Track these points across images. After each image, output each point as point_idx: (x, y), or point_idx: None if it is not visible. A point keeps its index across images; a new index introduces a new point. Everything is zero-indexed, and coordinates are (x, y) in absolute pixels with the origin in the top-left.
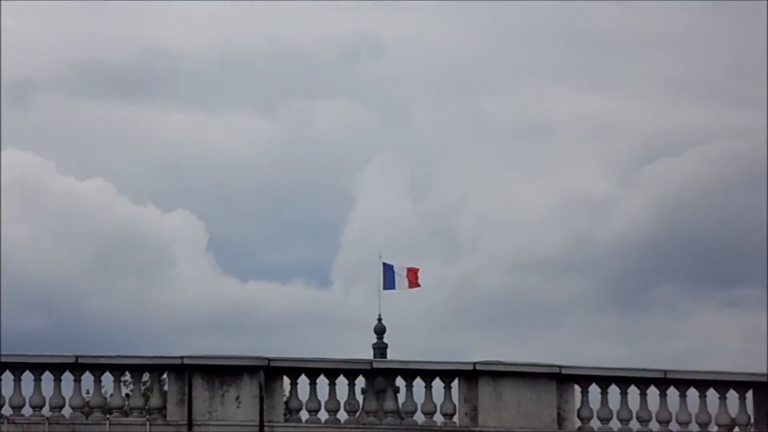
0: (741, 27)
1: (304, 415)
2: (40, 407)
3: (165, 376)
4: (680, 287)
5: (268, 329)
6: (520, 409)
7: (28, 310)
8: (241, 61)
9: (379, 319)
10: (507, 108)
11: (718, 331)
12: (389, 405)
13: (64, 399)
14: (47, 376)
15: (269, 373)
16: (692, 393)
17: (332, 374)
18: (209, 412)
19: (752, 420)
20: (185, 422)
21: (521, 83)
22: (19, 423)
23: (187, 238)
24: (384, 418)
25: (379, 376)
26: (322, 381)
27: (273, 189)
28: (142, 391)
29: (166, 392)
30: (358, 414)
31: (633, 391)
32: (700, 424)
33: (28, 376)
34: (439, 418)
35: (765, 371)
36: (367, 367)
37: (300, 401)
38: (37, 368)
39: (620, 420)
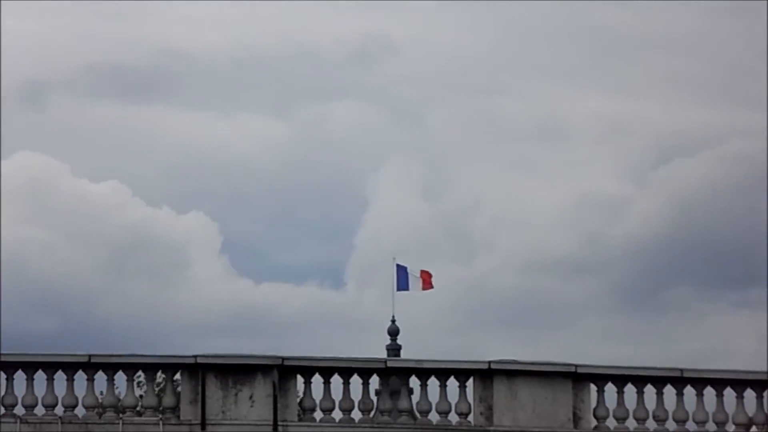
0: (757, 27)
1: (318, 414)
2: (53, 407)
3: (178, 375)
4: (694, 288)
5: (282, 330)
6: (536, 409)
7: (42, 312)
8: (254, 62)
9: (393, 321)
10: (520, 109)
11: (731, 332)
12: (404, 404)
13: (77, 398)
14: (60, 376)
15: (283, 372)
16: (709, 392)
17: (346, 373)
18: (223, 412)
19: None
20: (198, 422)
21: (535, 84)
22: (32, 422)
23: (201, 239)
24: (398, 417)
25: (394, 376)
26: (336, 380)
27: (287, 190)
28: (155, 391)
29: (179, 392)
30: (372, 413)
31: (649, 390)
32: (717, 424)
33: (40, 376)
34: (453, 418)
35: None
36: (382, 366)
37: (314, 400)
38: (50, 367)
39: (636, 419)
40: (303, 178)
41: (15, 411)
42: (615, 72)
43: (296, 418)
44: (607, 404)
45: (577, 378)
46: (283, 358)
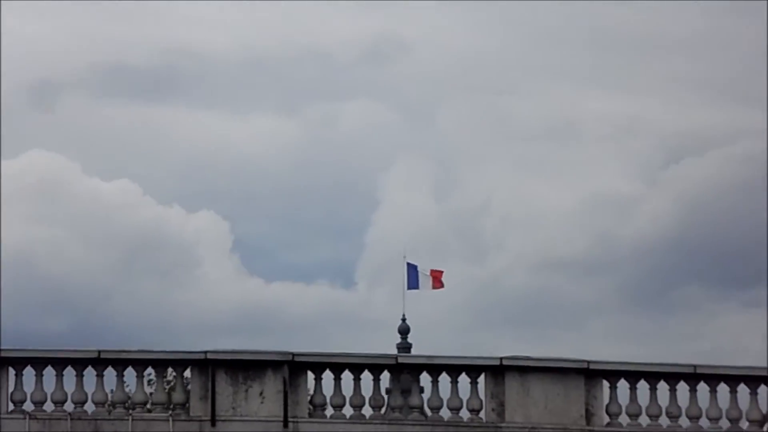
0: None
1: (328, 410)
2: (62, 403)
3: (188, 371)
4: (703, 287)
5: (293, 330)
6: (548, 405)
7: (52, 312)
8: (264, 62)
9: (403, 319)
10: (530, 109)
11: (741, 331)
12: (415, 401)
13: (86, 394)
14: (69, 372)
15: (293, 368)
16: (723, 388)
17: (357, 369)
18: (233, 408)
19: None
20: (208, 418)
21: (545, 84)
22: (41, 419)
23: (211, 238)
24: (409, 413)
25: (405, 373)
26: (347, 376)
27: (297, 190)
28: (165, 387)
29: (189, 388)
30: (383, 410)
31: (662, 386)
32: (730, 420)
33: (50, 372)
34: (465, 414)
35: None
36: (393, 362)
37: (324, 397)
38: (59, 364)
39: (649, 416)
40: (314, 178)
41: (24, 407)
42: (624, 72)
43: (307, 415)
44: (620, 401)
45: (590, 374)
46: (294, 354)
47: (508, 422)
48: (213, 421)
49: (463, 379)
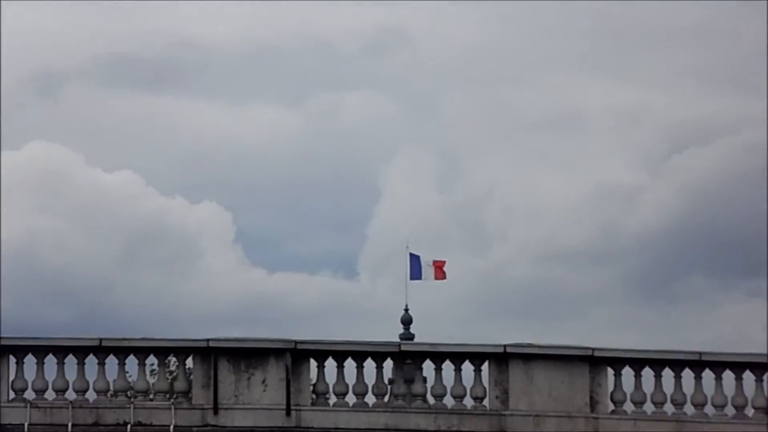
0: None
1: (331, 398)
2: (64, 391)
3: (190, 359)
4: (708, 277)
5: (295, 320)
6: (552, 393)
7: (55, 302)
8: (267, 53)
9: (406, 309)
10: (534, 99)
11: (745, 321)
12: (418, 389)
13: (88, 383)
14: (71, 360)
15: (296, 356)
16: (728, 376)
17: (360, 357)
18: (235, 396)
19: None
20: (211, 406)
21: (548, 75)
22: (42, 407)
23: (214, 229)
24: (413, 401)
25: (408, 365)
26: (350, 364)
27: (300, 181)
28: (167, 376)
29: (191, 376)
30: (386, 398)
31: (667, 374)
32: (736, 408)
33: (51, 360)
34: (468, 402)
35: None
36: (396, 349)
37: (327, 384)
38: (61, 352)
39: (654, 403)
40: (316, 169)
41: (25, 396)
42: (628, 62)
43: (309, 403)
44: (625, 388)
45: (594, 362)
46: (296, 342)
47: (512, 410)
48: (215, 410)
49: (467, 367)
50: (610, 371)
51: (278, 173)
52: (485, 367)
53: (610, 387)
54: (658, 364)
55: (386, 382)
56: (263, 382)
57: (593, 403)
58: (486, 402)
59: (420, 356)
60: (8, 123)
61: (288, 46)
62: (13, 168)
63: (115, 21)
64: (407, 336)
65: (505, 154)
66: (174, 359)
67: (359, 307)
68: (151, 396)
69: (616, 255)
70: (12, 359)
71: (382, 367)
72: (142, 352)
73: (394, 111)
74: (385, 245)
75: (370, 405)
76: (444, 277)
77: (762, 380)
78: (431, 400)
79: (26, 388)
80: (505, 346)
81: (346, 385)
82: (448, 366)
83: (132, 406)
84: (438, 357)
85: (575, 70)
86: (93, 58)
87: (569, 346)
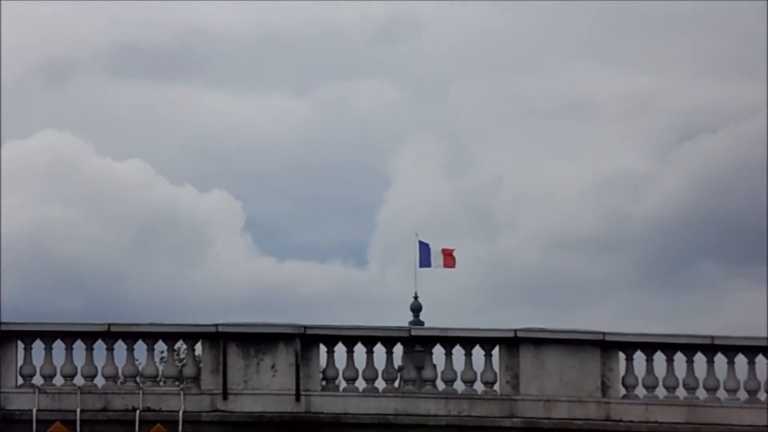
0: None
1: (341, 383)
2: (72, 376)
3: (199, 344)
4: (717, 264)
5: (305, 309)
6: (563, 377)
7: (66, 290)
8: (277, 41)
9: (416, 297)
10: (544, 86)
11: (755, 307)
12: (428, 374)
13: (96, 368)
14: (79, 345)
15: (305, 341)
16: (740, 360)
17: (369, 342)
18: (244, 381)
19: None
20: (220, 391)
21: (558, 62)
22: (51, 393)
23: (224, 218)
24: (423, 386)
25: (418, 353)
26: (360, 349)
27: (309, 169)
28: (177, 362)
29: (200, 361)
30: (396, 383)
31: (679, 358)
32: (749, 392)
33: (59, 345)
34: (479, 387)
35: None
36: (406, 334)
37: (337, 370)
38: (69, 337)
39: (666, 388)
40: (326, 157)
41: (33, 381)
42: (639, 49)
43: (319, 388)
44: (636, 373)
45: (606, 346)
46: (306, 327)
47: (522, 395)
48: (224, 395)
49: (477, 352)
50: (622, 356)
51: (288, 162)
52: (496, 351)
53: (622, 371)
54: (669, 348)
55: (396, 369)
56: (272, 367)
57: (604, 388)
58: (497, 387)
59: (430, 341)
60: (18, 112)
61: (297, 35)
62: (24, 157)
63: (125, 10)
64: (417, 323)
65: (514, 141)
66: (183, 346)
67: (369, 295)
68: (161, 381)
69: (625, 242)
70: (20, 344)
71: (392, 352)
72: (150, 338)
73: (403, 99)
74: (395, 233)
75: (380, 390)
76: (453, 265)
77: None
78: (441, 385)
79: (34, 374)
80: (515, 330)
81: (356, 371)
82: (458, 351)
83: (141, 391)
84: (448, 342)
85: (585, 57)
86: (103, 47)
87: (580, 331)
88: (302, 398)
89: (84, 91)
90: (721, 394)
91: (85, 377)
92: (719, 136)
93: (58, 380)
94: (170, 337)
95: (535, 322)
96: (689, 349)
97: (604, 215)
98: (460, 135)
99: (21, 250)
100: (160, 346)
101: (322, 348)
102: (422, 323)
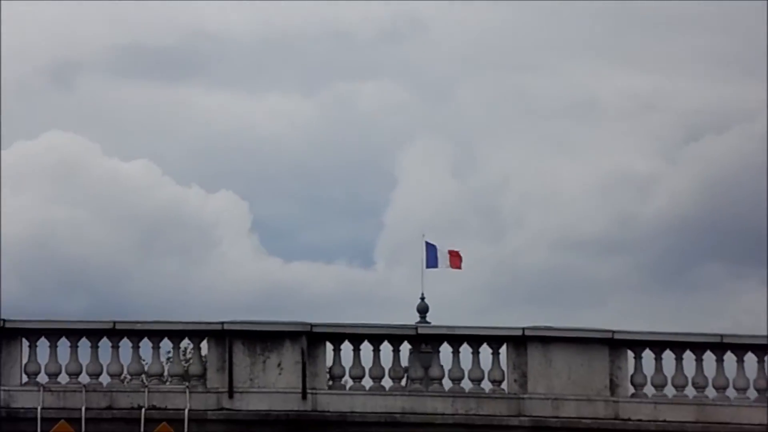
0: None
1: (347, 382)
2: (77, 374)
3: (205, 342)
4: (724, 265)
5: (311, 309)
6: (571, 376)
7: (72, 291)
8: (282, 41)
9: (422, 298)
10: (550, 86)
11: (761, 309)
12: (435, 372)
13: (101, 366)
14: (84, 343)
15: (311, 339)
16: (750, 358)
17: (376, 340)
18: (250, 379)
19: None
20: (226, 389)
21: (565, 61)
22: (56, 391)
23: (230, 219)
24: (430, 385)
25: (425, 353)
26: (366, 347)
27: (316, 170)
28: (182, 360)
29: (205, 359)
30: (403, 381)
31: (688, 356)
32: (758, 390)
33: (64, 343)
34: (486, 385)
35: None
36: (413, 332)
37: (343, 368)
38: (74, 335)
39: (675, 386)
40: (332, 157)
41: (38, 379)
42: (645, 49)
43: (325, 386)
44: (645, 371)
45: (614, 344)
46: (312, 325)
47: (530, 393)
48: (230, 393)
49: (485, 350)
50: (630, 354)
51: (294, 162)
52: (503, 350)
53: (630, 370)
54: (678, 346)
55: (403, 369)
56: (279, 365)
57: (613, 387)
58: (504, 385)
59: (437, 339)
60: (24, 113)
61: (303, 35)
62: (30, 157)
63: (131, 10)
64: (423, 324)
65: (520, 141)
66: (189, 346)
67: (375, 296)
68: (166, 379)
69: (632, 243)
70: (25, 342)
71: (398, 351)
72: (156, 336)
73: (409, 99)
74: (402, 233)
75: (387, 389)
76: (460, 266)
77: None
78: (448, 383)
79: (39, 372)
80: (523, 329)
81: (363, 369)
82: (465, 349)
83: (146, 389)
84: (456, 340)
85: (591, 56)
86: (109, 47)
87: (588, 329)
88: (309, 396)
89: (90, 91)
90: (731, 392)
91: (90, 375)
92: (725, 137)
93: (63, 378)
94: (176, 335)
95: (541, 322)
96: (698, 347)
97: (610, 216)
98: (466, 135)
99: (26, 251)
100: (167, 346)
101: (329, 346)
102: (429, 324)
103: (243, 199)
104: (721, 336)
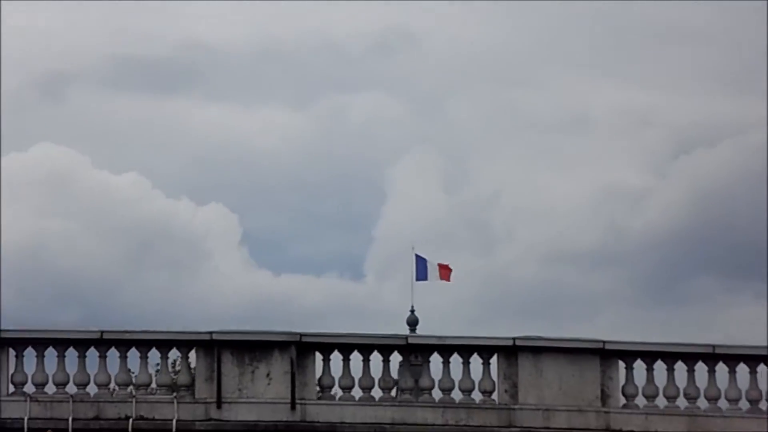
0: None
1: (337, 391)
2: (64, 385)
3: (193, 352)
4: (716, 279)
5: (301, 322)
6: (562, 386)
7: (63, 303)
8: (274, 54)
9: (412, 311)
10: (541, 100)
11: (753, 322)
12: (425, 382)
13: (89, 376)
14: (71, 353)
15: (301, 348)
16: (742, 369)
17: (366, 350)
18: (239, 389)
19: None
20: (214, 400)
21: (556, 75)
22: (43, 401)
23: (220, 231)
24: (420, 395)
25: (413, 360)
26: (356, 357)
27: (306, 182)
28: (170, 370)
29: (194, 369)
30: (393, 391)
31: (680, 367)
32: (750, 401)
33: (51, 353)
34: (477, 396)
35: None
36: (403, 342)
37: (333, 378)
38: (61, 345)
39: (667, 397)
40: (323, 170)
41: (25, 389)
42: (636, 63)
43: (315, 396)
44: (637, 382)
45: (605, 355)
46: (301, 335)
47: (521, 404)
48: (219, 403)
49: (475, 360)
50: (622, 364)
51: (285, 175)
52: (494, 360)
53: (622, 381)
54: (670, 357)
55: (393, 379)
56: (267, 375)
57: (604, 397)
58: (495, 396)
59: (427, 349)
60: (16, 125)
61: (295, 48)
62: (21, 169)
63: (122, 22)
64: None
65: (511, 155)
66: (178, 357)
67: (365, 309)
68: (154, 389)
69: (623, 256)
70: (11, 352)
71: (388, 361)
72: (144, 345)
73: (400, 112)
74: (392, 246)
75: (377, 399)
76: (449, 279)
77: None
78: (439, 394)
79: (26, 382)
80: (514, 338)
81: (352, 379)
82: (456, 359)
83: (134, 399)
84: (446, 350)
85: (582, 71)
86: (100, 59)
87: (580, 339)
88: (298, 407)
89: (81, 103)
90: (723, 403)
91: (77, 385)
92: (716, 150)
93: (50, 388)
94: (164, 345)
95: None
96: (690, 358)
97: (602, 229)
98: (457, 148)
99: (18, 262)
100: (155, 358)
101: (318, 356)
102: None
103: (233, 212)
104: (713, 347)
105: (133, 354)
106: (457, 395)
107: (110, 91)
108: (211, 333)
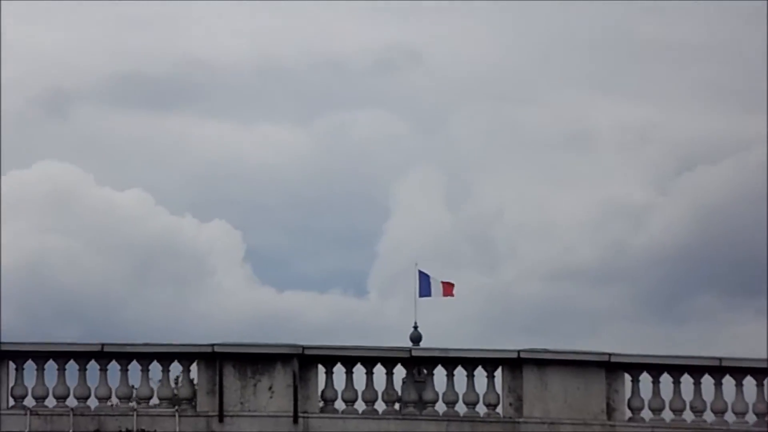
0: None
1: (340, 405)
2: (65, 398)
3: (194, 365)
4: (718, 296)
5: (305, 339)
6: (567, 399)
7: (65, 321)
8: (277, 72)
9: (415, 327)
10: (544, 117)
11: (755, 339)
12: (429, 395)
13: (89, 389)
14: (72, 366)
15: (303, 361)
16: (749, 382)
17: (369, 363)
18: (241, 403)
19: None
20: (216, 413)
21: (558, 93)
22: (43, 414)
23: (224, 248)
24: (424, 408)
25: (417, 376)
26: (359, 370)
27: (309, 199)
28: (172, 386)
29: (195, 382)
30: (397, 405)
31: (686, 380)
32: (757, 415)
33: (51, 366)
34: (481, 409)
35: None
36: (406, 355)
37: (336, 391)
38: (61, 358)
39: (673, 410)
40: (326, 187)
41: (25, 403)
42: (638, 80)
43: (317, 409)
44: (642, 395)
45: (611, 368)
46: (304, 347)
47: (526, 417)
48: (221, 417)
49: (480, 373)
50: (628, 377)
51: (288, 192)
52: (498, 373)
53: (628, 393)
54: (676, 370)
55: (399, 385)
56: (270, 388)
57: (610, 410)
58: (499, 409)
59: (431, 362)
60: (18, 142)
61: (298, 65)
62: (24, 186)
63: (125, 40)
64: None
65: (514, 172)
66: (180, 369)
67: (369, 325)
68: (155, 403)
69: (625, 273)
70: (11, 365)
71: (392, 374)
72: (144, 358)
73: (403, 129)
74: (395, 263)
75: (380, 412)
76: (452, 294)
77: None
78: (443, 407)
79: (26, 395)
80: (518, 351)
81: (355, 392)
82: (460, 372)
83: (135, 413)
84: (450, 363)
85: (585, 88)
86: (103, 77)
87: (585, 352)
88: (300, 420)
89: (84, 121)
90: (729, 417)
91: (77, 399)
92: (718, 167)
93: (51, 402)
94: (165, 358)
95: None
96: (696, 371)
97: (604, 246)
98: (459, 165)
99: (20, 280)
100: (156, 373)
101: (321, 369)
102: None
103: (236, 229)
104: (720, 359)
105: (134, 367)
106: (461, 408)
107: (112, 108)
108: (212, 345)
